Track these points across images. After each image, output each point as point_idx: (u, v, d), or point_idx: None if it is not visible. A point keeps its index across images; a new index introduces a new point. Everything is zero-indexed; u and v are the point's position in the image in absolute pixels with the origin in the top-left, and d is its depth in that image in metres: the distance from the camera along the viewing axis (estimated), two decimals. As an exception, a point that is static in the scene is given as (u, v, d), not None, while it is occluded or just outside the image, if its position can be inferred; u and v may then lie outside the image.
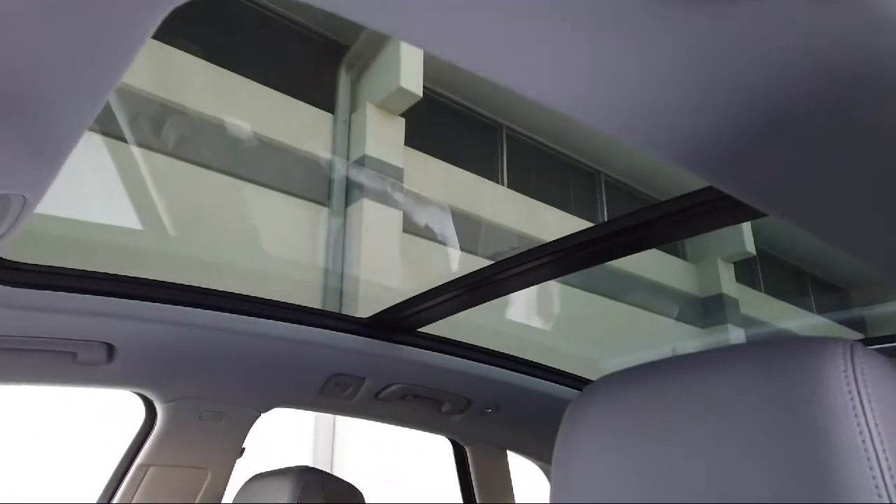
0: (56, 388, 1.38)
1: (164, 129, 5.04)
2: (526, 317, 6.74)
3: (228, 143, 5.46)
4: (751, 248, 8.95)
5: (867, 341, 1.44)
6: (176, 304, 1.28)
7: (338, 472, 1.49)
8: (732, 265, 9.23)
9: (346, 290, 5.73)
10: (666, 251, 8.58)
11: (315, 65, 6.47)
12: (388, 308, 1.53)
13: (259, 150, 5.58)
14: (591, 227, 1.21)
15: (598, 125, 0.63)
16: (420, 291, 1.46)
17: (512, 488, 2.03)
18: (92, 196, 4.54)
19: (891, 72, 0.48)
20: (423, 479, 4.90)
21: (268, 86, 5.76)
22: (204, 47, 5.22)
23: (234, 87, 5.56)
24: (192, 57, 5.19)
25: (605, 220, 1.20)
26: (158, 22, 0.56)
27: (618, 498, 0.69)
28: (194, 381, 1.43)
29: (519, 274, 1.31)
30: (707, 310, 8.88)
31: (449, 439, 2.00)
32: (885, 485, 0.54)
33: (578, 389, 1.86)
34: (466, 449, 1.97)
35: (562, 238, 1.23)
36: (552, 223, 7.17)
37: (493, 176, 7.39)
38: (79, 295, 1.17)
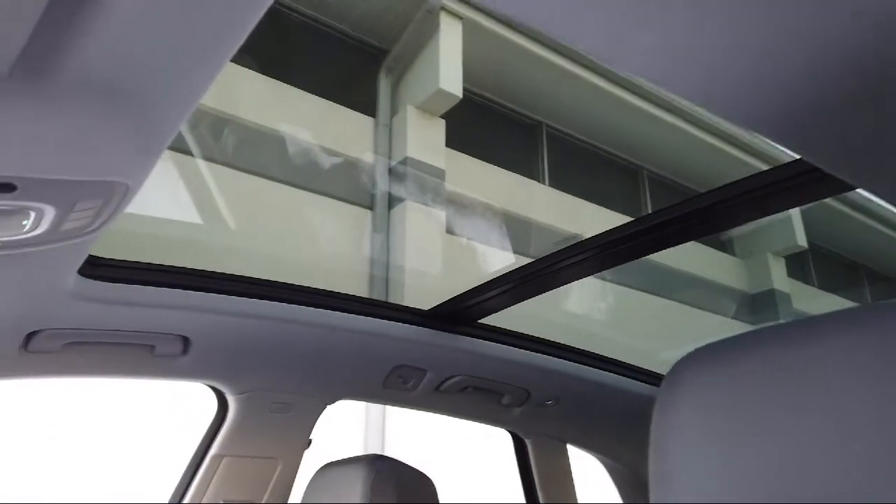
0: (133, 380, 1.43)
1: (221, 139, 5.19)
2: (584, 311, 6.70)
3: (275, 151, 5.57)
4: (802, 241, 8.68)
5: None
6: (247, 297, 1.31)
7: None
8: (783, 260, 8.97)
9: (390, 292, 5.77)
10: (715, 247, 8.39)
11: (355, 70, 6.55)
12: (448, 300, 1.55)
13: (305, 156, 5.68)
14: (634, 220, 1.21)
15: (689, 97, 0.63)
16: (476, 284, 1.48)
17: (573, 482, 2.01)
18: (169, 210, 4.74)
19: None
20: (473, 471, 4.89)
21: (311, 92, 5.85)
22: (255, 58, 5.34)
23: (283, 95, 5.67)
24: (240, 67, 5.31)
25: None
26: (257, 19, 0.59)
27: (746, 492, 0.58)
28: (263, 373, 1.46)
29: (570, 266, 1.32)
30: (758, 305, 8.65)
31: (509, 432, 2.00)
32: None
33: (640, 381, 1.84)
34: (527, 442, 1.97)
35: (608, 231, 1.23)
36: (595, 220, 7.09)
37: (534, 175, 7.35)
38: (157, 288, 1.21)
